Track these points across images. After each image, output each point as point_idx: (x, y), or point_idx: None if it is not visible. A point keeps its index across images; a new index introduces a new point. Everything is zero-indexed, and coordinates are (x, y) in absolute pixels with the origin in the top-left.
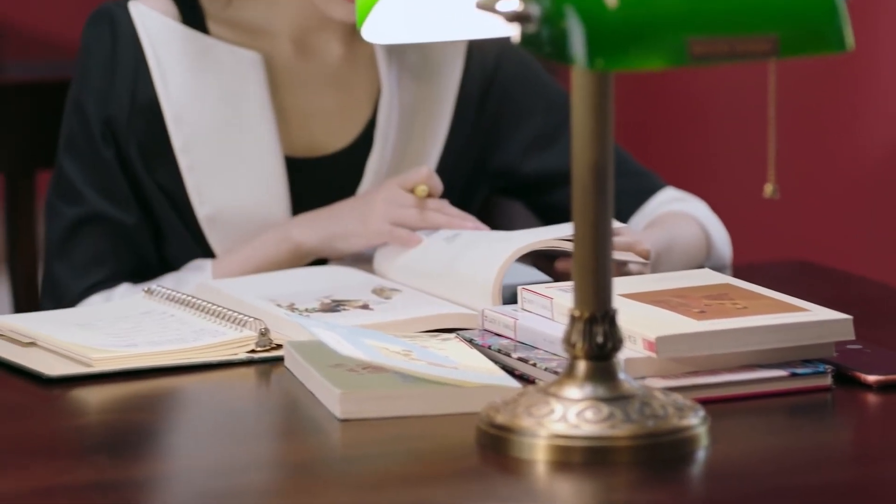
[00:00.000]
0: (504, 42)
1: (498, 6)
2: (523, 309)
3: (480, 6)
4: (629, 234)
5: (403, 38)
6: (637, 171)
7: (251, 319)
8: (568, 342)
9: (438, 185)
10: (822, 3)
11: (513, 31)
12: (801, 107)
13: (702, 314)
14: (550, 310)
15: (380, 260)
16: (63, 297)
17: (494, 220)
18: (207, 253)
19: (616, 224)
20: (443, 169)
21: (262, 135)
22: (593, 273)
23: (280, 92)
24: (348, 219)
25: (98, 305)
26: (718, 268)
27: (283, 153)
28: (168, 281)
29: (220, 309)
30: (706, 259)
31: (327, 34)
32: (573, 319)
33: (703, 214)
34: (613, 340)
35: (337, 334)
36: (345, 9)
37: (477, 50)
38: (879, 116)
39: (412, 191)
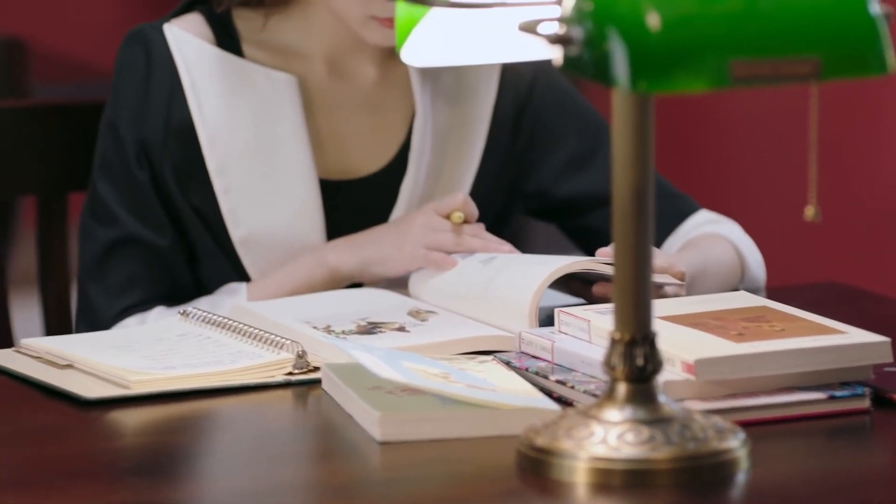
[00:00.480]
0: (538, 65)
1: (540, 29)
2: (560, 331)
3: (523, 28)
4: (664, 257)
5: (442, 61)
6: (671, 194)
7: (288, 342)
8: (608, 364)
9: (474, 211)
10: (864, 25)
11: (555, 54)
12: (830, 128)
13: (740, 337)
14: (588, 332)
15: (415, 282)
16: (98, 319)
17: (527, 242)
18: (242, 275)
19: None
20: (477, 191)
21: (297, 157)
22: (633, 295)
23: (314, 114)
24: (384, 244)
25: (134, 328)
26: (752, 290)
27: (318, 175)
28: (203, 304)
29: (256, 331)
30: (740, 281)
31: (362, 56)
32: (613, 342)
33: (737, 237)
34: (653, 363)
35: (375, 357)
36: (379, 34)
37: (511, 73)
38: None
39: (448, 217)
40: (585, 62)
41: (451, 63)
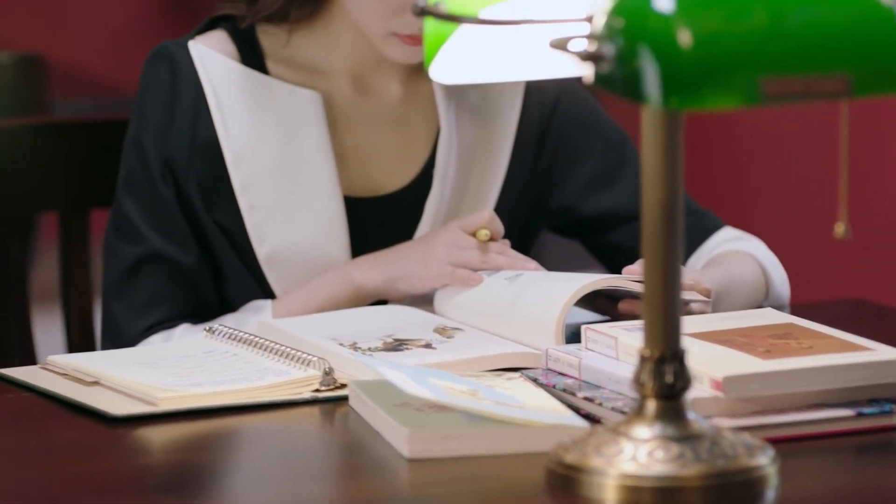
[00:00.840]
0: (561, 82)
1: (571, 46)
2: (587, 348)
3: (554, 46)
4: (690, 274)
5: (471, 78)
6: (695, 211)
7: (315, 359)
8: (637, 381)
9: (500, 229)
10: (894, 42)
11: (585, 71)
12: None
13: (767, 354)
14: (615, 349)
15: (440, 299)
16: (122, 336)
17: (546, 258)
18: (267, 293)
19: None
20: (501, 208)
21: (321, 174)
22: (663, 312)
23: (339, 131)
24: (410, 261)
25: (160, 345)
26: (777, 307)
27: (342, 192)
28: (228, 321)
29: (283, 348)
30: (765, 298)
31: (386, 73)
32: (643, 359)
33: (761, 254)
34: (683, 380)
35: (402, 374)
36: (400, 50)
37: (535, 90)
38: None
39: (474, 234)
40: (616, 79)
41: (479, 80)
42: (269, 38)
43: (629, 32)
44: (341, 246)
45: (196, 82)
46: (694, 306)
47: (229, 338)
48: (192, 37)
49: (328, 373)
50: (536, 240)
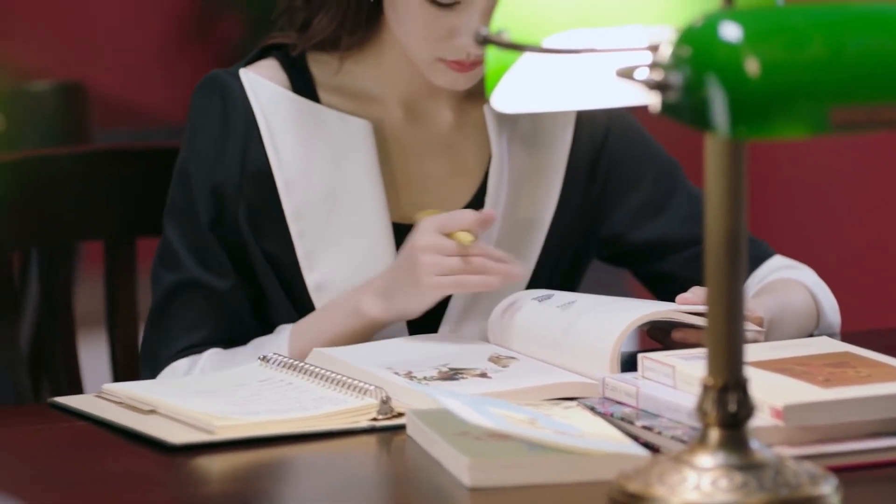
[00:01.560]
0: (612, 110)
1: (638, 75)
2: (644, 377)
3: (620, 75)
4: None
5: (532, 107)
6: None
7: (372, 387)
8: (700, 410)
9: (485, 226)
10: None
11: (652, 100)
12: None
13: (827, 382)
14: (673, 378)
15: (493, 327)
16: (156, 363)
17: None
18: None
19: None
20: (553, 237)
21: (371, 201)
22: (726, 341)
23: (390, 158)
24: (404, 284)
25: (217, 373)
26: (828, 335)
27: (392, 219)
28: (248, 349)
29: (339, 377)
30: (816, 326)
31: (437, 100)
32: (705, 388)
33: (812, 282)
34: (746, 408)
35: (462, 402)
36: (445, 76)
37: (586, 118)
38: None
39: (453, 235)
40: (683, 108)
41: (540, 109)
42: (320, 66)
43: (696, 61)
44: None
45: (247, 110)
46: (747, 335)
47: (284, 366)
48: (243, 65)
49: (385, 401)
50: (587, 269)
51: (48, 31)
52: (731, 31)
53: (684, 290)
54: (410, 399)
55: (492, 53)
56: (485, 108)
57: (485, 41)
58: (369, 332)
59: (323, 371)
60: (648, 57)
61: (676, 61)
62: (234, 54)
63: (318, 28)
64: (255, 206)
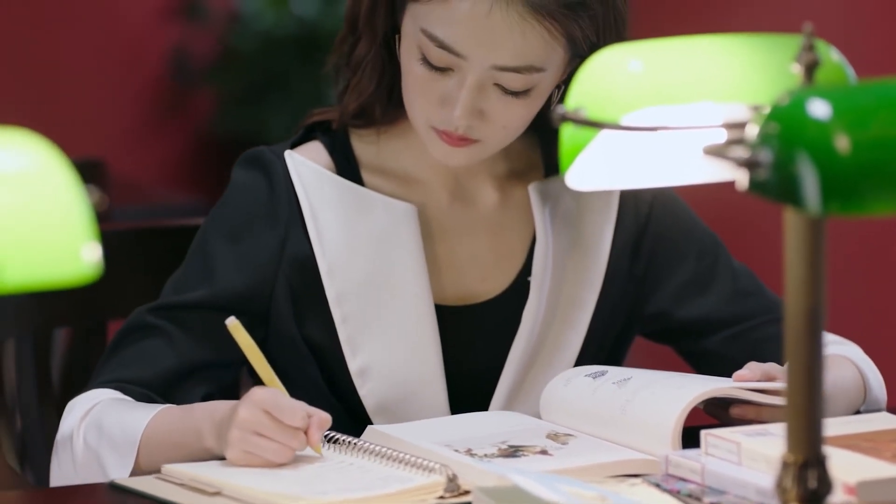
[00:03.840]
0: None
1: (728, 153)
2: (707, 453)
3: (708, 152)
4: None
5: (607, 185)
6: None
7: (437, 465)
8: (780, 487)
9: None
10: None
11: (740, 178)
12: None
13: None
14: (737, 454)
15: (546, 403)
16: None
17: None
18: (357, 407)
19: (782, 369)
20: (599, 315)
21: (414, 285)
22: (806, 418)
23: (433, 240)
24: (224, 435)
25: None
26: (875, 410)
27: (435, 301)
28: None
29: (403, 455)
30: (863, 402)
31: (479, 180)
32: (785, 465)
33: (859, 358)
34: (825, 485)
35: (531, 479)
36: (439, 149)
37: (630, 195)
38: None
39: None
40: (772, 185)
41: (615, 187)
42: (363, 146)
43: (785, 139)
44: (433, 357)
45: (291, 192)
46: None
47: (343, 445)
48: (288, 146)
49: (452, 479)
50: (630, 344)
51: (21, 105)
52: (819, 109)
53: (727, 368)
54: (474, 476)
55: (567, 131)
56: (529, 187)
57: (563, 119)
58: (202, 456)
59: (385, 450)
60: (723, 134)
61: (764, 138)
62: (208, 130)
63: (350, 98)
64: (298, 292)
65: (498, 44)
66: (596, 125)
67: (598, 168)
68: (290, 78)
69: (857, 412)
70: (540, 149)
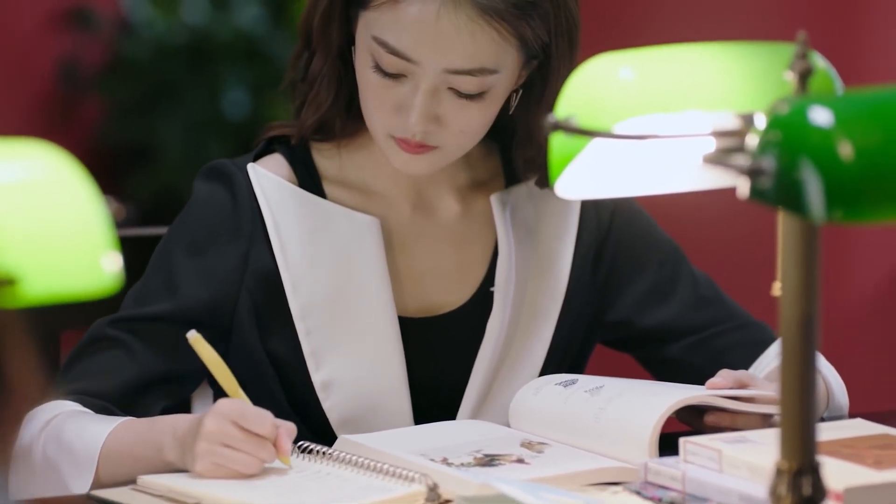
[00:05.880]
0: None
1: (730, 160)
2: (686, 461)
3: (708, 160)
4: (767, 386)
5: (595, 194)
6: (750, 323)
7: (418, 474)
8: (774, 494)
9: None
10: None
11: (741, 186)
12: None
13: (878, 465)
14: (718, 462)
15: (516, 413)
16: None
17: None
18: (320, 420)
19: (754, 377)
20: (562, 324)
21: (377, 297)
22: (800, 426)
23: (396, 252)
24: (190, 448)
25: None
26: (838, 416)
27: (398, 313)
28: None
29: (382, 465)
30: (826, 408)
31: (441, 191)
32: (779, 472)
33: (821, 363)
34: (819, 492)
35: (517, 488)
36: (398, 157)
37: (591, 204)
38: None
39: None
40: (774, 193)
41: (603, 195)
42: (325, 161)
43: (787, 146)
44: (397, 369)
45: (254, 205)
46: (777, 419)
47: (323, 456)
48: (250, 159)
49: (433, 488)
50: (591, 353)
51: None
52: (821, 116)
53: (689, 376)
54: (455, 485)
55: (557, 140)
56: (491, 198)
57: (555, 127)
58: (162, 469)
59: (363, 460)
60: (714, 143)
61: (765, 146)
62: (97, 139)
63: (308, 112)
64: (263, 307)
65: (448, 47)
66: (588, 134)
67: (587, 177)
68: (181, 87)
69: (822, 419)
70: (500, 157)
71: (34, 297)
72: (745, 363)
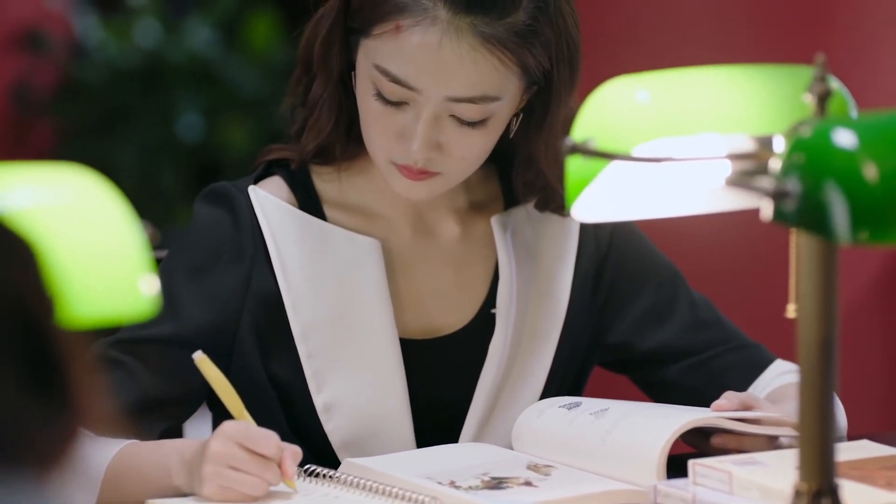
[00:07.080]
0: None
1: (753, 183)
2: (695, 483)
3: (732, 183)
4: (777, 409)
5: (612, 216)
6: (747, 345)
7: (427, 498)
8: None
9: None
10: None
11: (765, 208)
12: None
13: (890, 486)
14: (728, 483)
15: (519, 436)
16: None
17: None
18: (322, 441)
19: (758, 398)
20: (563, 346)
21: (379, 319)
22: (820, 447)
23: (396, 274)
24: (196, 471)
25: None
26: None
27: (399, 335)
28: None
29: (391, 488)
30: None
31: (441, 213)
32: (798, 493)
33: None
34: None
35: None
36: (400, 183)
37: (590, 226)
38: None
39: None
40: (798, 215)
41: (620, 218)
42: (324, 182)
43: (812, 168)
44: (399, 391)
45: (255, 228)
46: (783, 441)
47: (329, 479)
48: (251, 182)
49: None
50: (589, 374)
51: None
52: (845, 138)
53: (687, 398)
54: None
55: (573, 163)
56: (492, 220)
57: (573, 150)
58: (169, 494)
59: (372, 483)
60: (728, 166)
61: (789, 169)
62: (49, 161)
63: (309, 137)
64: (265, 329)
65: (450, 75)
66: (605, 156)
67: (604, 200)
68: (134, 110)
69: None
70: (499, 180)
71: (78, 320)
72: (743, 385)
